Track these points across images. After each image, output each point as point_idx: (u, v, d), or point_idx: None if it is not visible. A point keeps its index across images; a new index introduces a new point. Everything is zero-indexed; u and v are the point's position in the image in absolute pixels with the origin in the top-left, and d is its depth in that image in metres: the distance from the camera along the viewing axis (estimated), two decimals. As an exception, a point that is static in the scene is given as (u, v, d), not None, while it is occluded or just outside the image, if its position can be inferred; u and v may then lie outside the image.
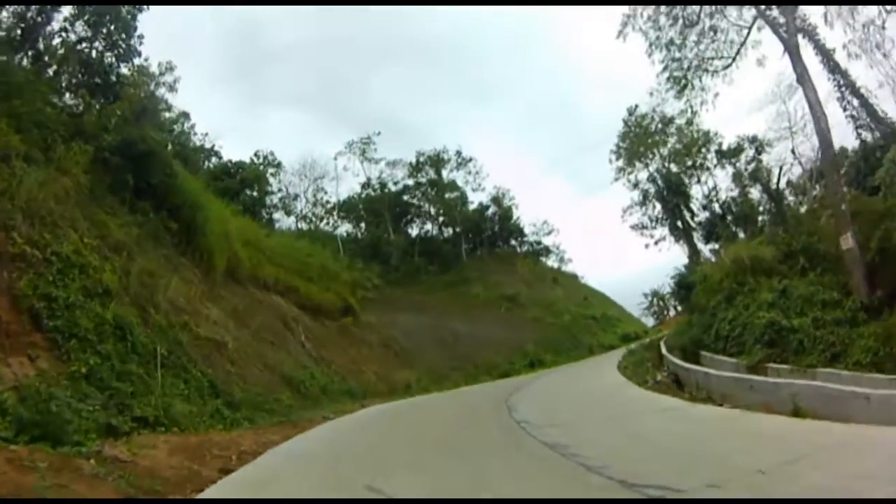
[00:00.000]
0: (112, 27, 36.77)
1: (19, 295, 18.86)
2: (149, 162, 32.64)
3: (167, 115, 49.76)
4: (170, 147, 47.83)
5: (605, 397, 25.61)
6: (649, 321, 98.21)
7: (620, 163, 74.34)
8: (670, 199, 70.08)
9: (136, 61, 40.49)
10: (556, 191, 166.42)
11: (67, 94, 36.81)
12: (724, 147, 65.62)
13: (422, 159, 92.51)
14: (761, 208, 58.69)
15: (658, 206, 73.04)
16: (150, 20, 39.85)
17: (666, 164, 71.33)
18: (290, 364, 37.68)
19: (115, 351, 21.06)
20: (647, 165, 72.28)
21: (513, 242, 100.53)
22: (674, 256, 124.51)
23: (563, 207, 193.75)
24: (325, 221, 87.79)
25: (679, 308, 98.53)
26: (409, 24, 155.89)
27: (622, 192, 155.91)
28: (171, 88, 43.73)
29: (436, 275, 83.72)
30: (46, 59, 36.05)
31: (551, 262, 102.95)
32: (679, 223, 70.89)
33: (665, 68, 45.79)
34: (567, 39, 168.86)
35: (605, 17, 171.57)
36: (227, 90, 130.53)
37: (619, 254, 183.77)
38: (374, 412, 31.89)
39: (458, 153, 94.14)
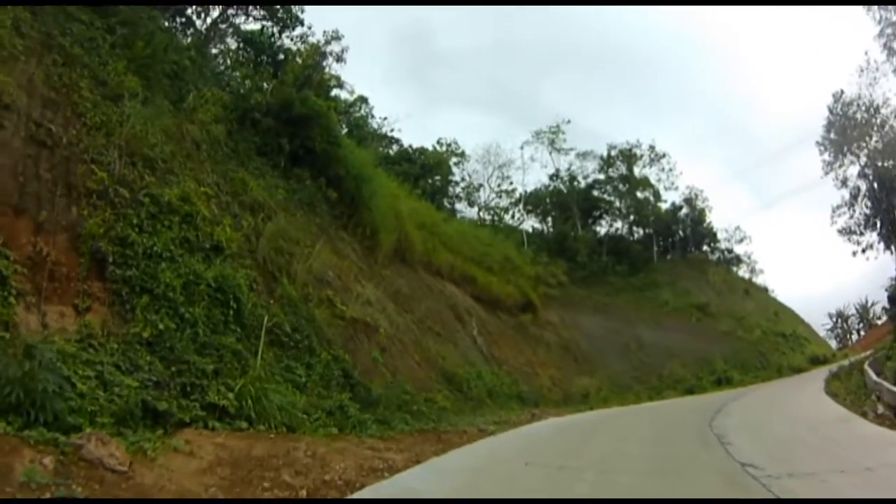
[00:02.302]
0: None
1: (83, 234, 14.89)
2: (308, 127, 30.03)
3: (340, 93, 46.62)
4: (345, 129, 45.52)
5: (837, 433, 18.61)
6: (831, 344, 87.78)
7: (827, 156, 64.17)
8: (882, 197, 60.09)
9: (298, 31, 37.07)
10: (738, 202, 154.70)
11: (222, 59, 35.24)
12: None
13: (613, 153, 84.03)
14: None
15: (869, 207, 62.77)
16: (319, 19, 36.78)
17: (875, 160, 61.10)
18: (455, 359, 32.20)
19: (205, 317, 16.24)
20: (856, 160, 62.21)
21: (704, 248, 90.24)
22: (863, 272, 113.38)
23: (744, 219, 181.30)
24: (509, 213, 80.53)
25: (862, 333, 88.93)
26: (577, 31, 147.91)
27: (808, 203, 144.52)
28: (339, 59, 38.79)
29: (623, 276, 75.33)
30: (198, 25, 34.16)
31: (742, 272, 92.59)
32: (890, 226, 60.74)
33: (881, 33, 38.14)
34: (743, 49, 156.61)
35: (786, 24, 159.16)
36: (398, 90, 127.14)
37: (801, 270, 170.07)
38: (545, 428, 24.59)
39: (651, 148, 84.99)
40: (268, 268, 21.56)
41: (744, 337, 68.73)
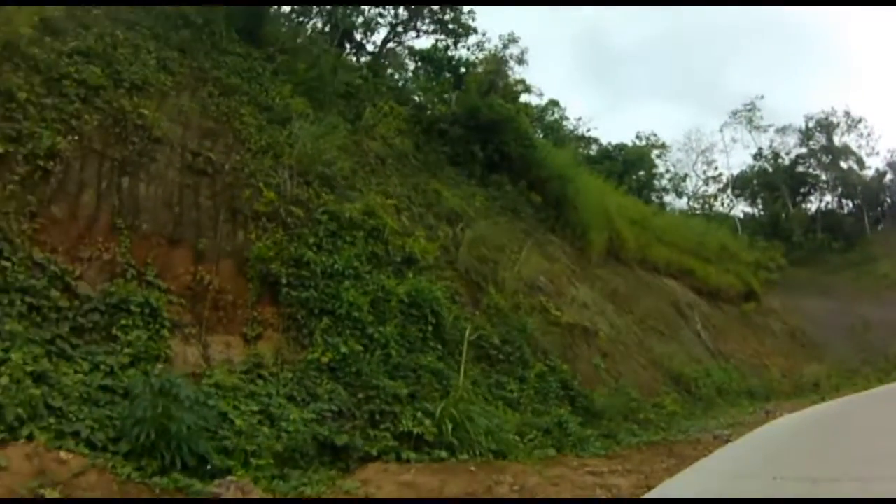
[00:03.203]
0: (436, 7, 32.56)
1: (251, 258, 13.60)
2: (499, 132, 28.14)
3: (529, 98, 43.96)
4: (541, 134, 43.02)
5: None
6: None
7: None
8: None
9: (473, 39, 34.67)
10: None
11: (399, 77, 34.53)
12: None
13: (811, 124, 75.47)
14: None
15: None
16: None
17: None
18: (680, 358, 28.71)
19: (398, 335, 14.24)
20: None
21: None
22: None
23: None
24: (718, 199, 74.87)
25: None
26: (743, 12, 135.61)
27: None
28: (520, 61, 36.25)
29: (840, 253, 67.75)
30: (369, 48, 32.99)
31: None
32: None
33: None
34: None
35: None
36: (585, 93, 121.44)
37: None
38: (784, 428, 20.10)
39: (847, 114, 75.46)
40: (471, 278, 19.44)
41: (964, 306, 60.61)
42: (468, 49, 34.82)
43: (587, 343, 22.41)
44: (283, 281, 13.26)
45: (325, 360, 12.24)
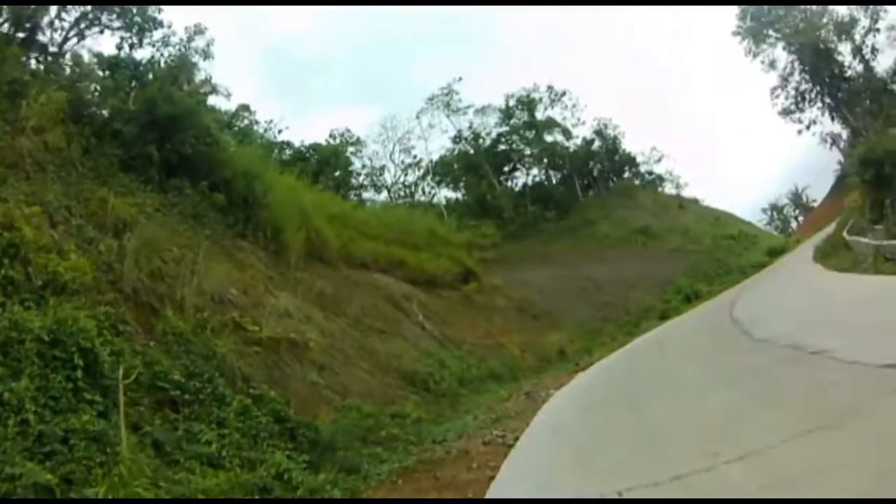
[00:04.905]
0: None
1: None
2: (177, 129, 26.19)
3: (217, 101, 44.27)
4: (232, 142, 40.70)
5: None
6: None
7: (747, 44, 68.17)
8: (821, 66, 63.40)
9: (159, 33, 34.73)
10: (653, 121, 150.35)
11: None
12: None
13: (511, 102, 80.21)
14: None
15: (807, 80, 67.31)
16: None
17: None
18: (410, 355, 28.06)
19: (36, 390, 10.39)
20: (780, 37, 62.69)
21: (626, 175, 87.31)
22: (784, 166, 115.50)
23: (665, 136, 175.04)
24: (419, 188, 78.18)
25: (800, 219, 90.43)
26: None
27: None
28: (206, 55, 36.59)
29: (555, 221, 72.70)
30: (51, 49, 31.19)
31: (668, 190, 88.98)
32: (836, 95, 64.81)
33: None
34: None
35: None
36: (279, 104, 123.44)
37: (725, 178, 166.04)
38: (566, 411, 17.98)
39: (550, 88, 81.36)
40: (141, 299, 16.57)
41: (695, 249, 67.00)
42: (153, 45, 34.43)
43: (297, 358, 20.66)
44: None
45: None
